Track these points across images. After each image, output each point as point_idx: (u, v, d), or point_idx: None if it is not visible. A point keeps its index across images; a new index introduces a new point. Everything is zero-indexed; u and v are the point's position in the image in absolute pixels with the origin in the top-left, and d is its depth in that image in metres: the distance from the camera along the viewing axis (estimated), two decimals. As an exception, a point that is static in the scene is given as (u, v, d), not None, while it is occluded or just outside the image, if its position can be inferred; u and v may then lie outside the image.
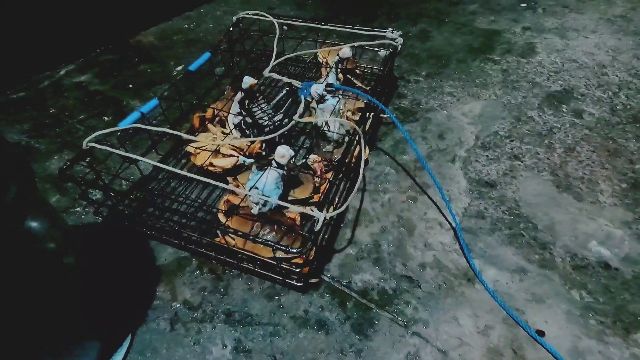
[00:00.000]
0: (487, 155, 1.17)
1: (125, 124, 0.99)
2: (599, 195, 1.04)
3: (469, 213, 1.02)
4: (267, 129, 1.07)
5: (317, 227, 0.75)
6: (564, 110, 1.33)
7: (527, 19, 1.83)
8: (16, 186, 0.55)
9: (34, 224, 0.64)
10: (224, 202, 0.95)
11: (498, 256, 0.92)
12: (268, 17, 1.37)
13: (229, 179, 1.03)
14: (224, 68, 1.46)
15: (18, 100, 1.46)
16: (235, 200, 0.94)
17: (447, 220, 1.00)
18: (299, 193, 1.00)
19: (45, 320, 0.67)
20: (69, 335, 0.72)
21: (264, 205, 0.89)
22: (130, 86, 1.51)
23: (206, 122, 1.17)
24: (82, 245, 0.83)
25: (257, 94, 1.12)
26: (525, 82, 1.46)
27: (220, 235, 0.89)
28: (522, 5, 1.96)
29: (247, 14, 1.39)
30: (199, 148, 1.06)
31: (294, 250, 0.74)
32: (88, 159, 0.92)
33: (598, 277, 0.88)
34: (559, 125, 1.27)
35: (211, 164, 1.03)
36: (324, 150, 1.11)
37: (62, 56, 1.65)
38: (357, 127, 0.94)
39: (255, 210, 0.89)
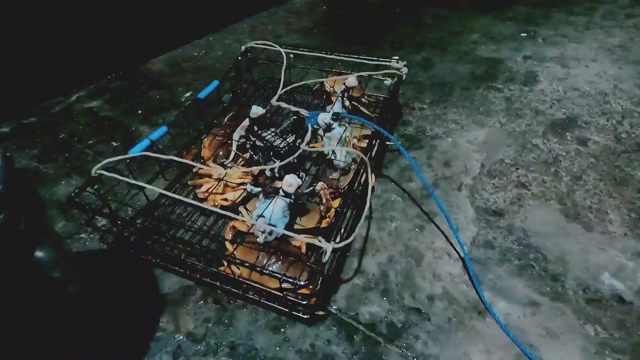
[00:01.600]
0: (494, 183, 1.17)
1: (135, 151, 1.00)
2: (608, 225, 1.03)
3: (477, 243, 1.01)
4: (282, 150, 1.07)
5: (325, 259, 0.74)
6: (569, 138, 1.33)
7: (528, 48, 1.88)
8: (26, 217, 0.55)
9: (40, 254, 0.64)
10: (230, 229, 0.95)
11: (509, 288, 0.90)
12: (275, 47, 1.40)
13: (241, 208, 1.02)
14: (231, 95, 1.49)
15: (29, 125, 1.49)
16: (241, 227, 0.93)
17: (455, 249, 0.99)
18: (305, 222, 0.99)
19: (48, 344, 0.66)
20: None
21: (270, 234, 0.88)
22: (139, 112, 1.54)
23: (205, 161, 1.15)
24: (87, 273, 0.82)
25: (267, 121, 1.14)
26: (528, 110, 1.47)
27: (225, 264, 0.88)
28: (522, 34, 2.01)
29: (256, 43, 1.43)
30: (207, 192, 1.05)
31: (302, 283, 0.73)
32: (96, 186, 0.93)
33: (612, 311, 0.85)
34: (564, 153, 1.27)
35: (224, 199, 1.02)
36: (330, 177, 1.11)
37: (74, 82, 1.70)
38: (363, 156, 0.95)
39: (261, 239, 0.88)
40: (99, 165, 0.93)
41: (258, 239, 0.90)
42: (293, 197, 0.92)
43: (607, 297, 0.88)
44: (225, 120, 1.27)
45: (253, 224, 0.88)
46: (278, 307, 0.85)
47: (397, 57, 1.29)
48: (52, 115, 1.54)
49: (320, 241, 0.77)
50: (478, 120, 1.44)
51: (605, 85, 1.58)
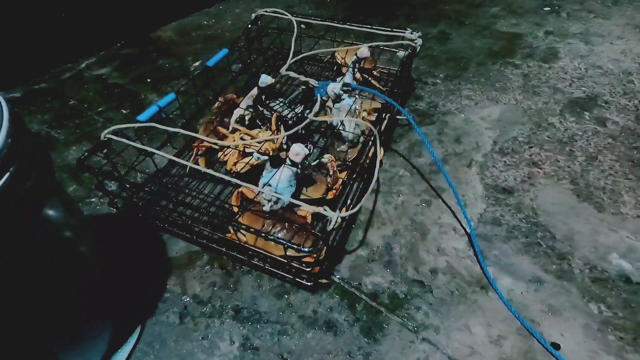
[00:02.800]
0: (505, 161, 1.15)
1: (143, 117, 0.99)
2: (621, 207, 1.01)
3: (485, 219, 1.00)
4: (291, 121, 1.06)
5: (330, 227, 0.74)
6: (587, 117, 1.29)
7: (551, 23, 1.79)
8: (35, 174, 0.56)
9: (51, 212, 0.65)
10: (237, 194, 0.95)
11: (513, 265, 0.90)
12: (286, 15, 1.36)
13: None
14: (240, 65, 1.46)
15: (40, 91, 1.50)
16: (248, 194, 0.94)
17: (461, 225, 0.98)
18: (311, 192, 0.99)
19: (61, 303, 0.69)
20: (83, 316, 0.73)
21: (276, 202, 0.88)
22: (149, 80, 1.53)
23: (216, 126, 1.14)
24: (96, 234, 0.84)
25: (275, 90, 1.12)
26: (546, 87, 1.42)
27: (232, 231, 0.89)
28: (545, 9, 1.91)
29: (266, 11, 1.39)
30: (225, 149, 1.04)
31: (305, 249, 0.73)
32: (105, 150, 0.94)
33: (618, 291, 0.85)
34: (580, 133, 1.23)
35: (234, 164, 1.02)
36: (338, 149, 1.10)
37: (84, 49, 1.69)
38: (372, 128, 0.93)
39: (267, 207, 0.89)
40: (108, 129, 0.93)
41: (264, 208, 0.90)
42: (300, 166, 0.91)
43: (614, 277, 0.87)
44: (216, 105, 1.19)
45: (259, 192, 0.88)
46: (282, 274, 0.87)
47: (411, 30, 1.25)
48: (62, 82, 1.54)
49: (325, 210, 0.77)
50: (493, 96, 1.39)
51: (630, 64, 1.51)
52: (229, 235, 0.90)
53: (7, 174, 0.50)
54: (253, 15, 1.40)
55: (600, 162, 1.13)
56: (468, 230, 0.96)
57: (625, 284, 0.86)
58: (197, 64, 1.62)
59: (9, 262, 0.55)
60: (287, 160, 0.91)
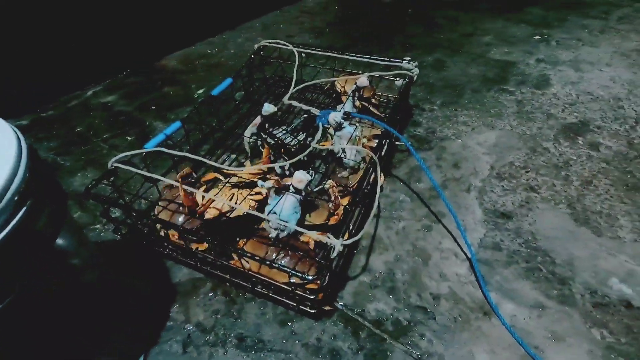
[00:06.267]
0: (503, 186, 1.17)
1: (149, 145, 1.02)
2: (618, 231, 1.03)
3: (485, 244, 1.01)
4: (293, 148, 1.09)
5: (334, 255, 0.75)
6: (580, 142, 1.32)
7: (541, 51, 1.86)
8: (49, 207, 0.58)
9: (61, 241, 0.66)
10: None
11: (515, 290, 0.91)
12: (288, 46, 1.42)
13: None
14: (243, 93, 1.51)
15: (47, 119, 1.53)
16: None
17: (462, 250, 1.00)
18: (314, 218, 1.01)
19: (63, 333, 0.69)
20: (85, 351, 0.73)
21: (282, 230, 0.90)
22: (154, 108, 1.57)
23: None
24: (103, 262, 0.85)
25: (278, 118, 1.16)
26: (540, 113, 1.47)
27: (235, 257, 0.90)
28: (535, 37, 1.99)
29: (269, 42, 1.45)
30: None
31: (310, 278, 0.74)
32: (112, 178, 0.96)
33: (620, 316, 0.85)
34: (575, 158, 1.26)
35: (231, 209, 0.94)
36: (339, 175, 1.12)
37: (91, 77, 1.74)
38: (373, 155, 0.96)
39: (273, 235, 0.90)
40: (116, 158, 0.95)
41: (270, 235, 0.91)
42: (303, 193, 0.93)
43: (615, 302, 0.87)
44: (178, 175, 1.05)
45: (265, 220, 0.89)
46: (286, 301, 0.87)
47: (408, 58, 1.30)
48: (69, 110, 1.58)
49: (329, 237, 0.78)
50: (488, 122, 1.43)
51: (619, 90, 1.56)
52: (232, 262, 0.91)
53: (25, 207, 0.51)
54: (256, 45, 1.46)
55: (596, 187, 1.16)
56: (469, 256, 0.97)
57: (626, 309, 0.86)
58: (201, 91, 1.66)
59: (20, 292, 0.55)
60: (291, 187, 0.93)
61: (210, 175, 1.13)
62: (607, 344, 0.80)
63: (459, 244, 1.01)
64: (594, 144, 1.31)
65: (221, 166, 1.03)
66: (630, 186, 1.15)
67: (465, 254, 0.99)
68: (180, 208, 0.98)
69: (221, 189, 1.00)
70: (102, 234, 1.08)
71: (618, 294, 0.89)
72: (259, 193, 0.97)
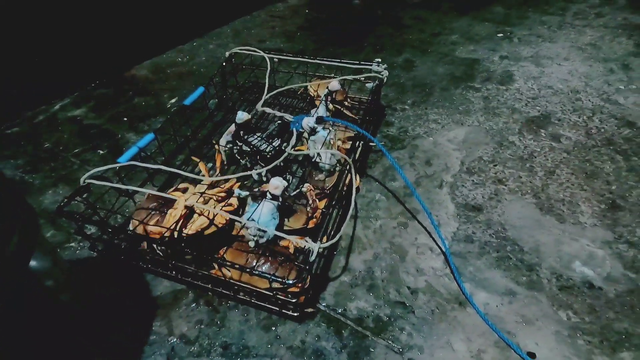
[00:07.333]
0: (473, 180, 1.22)
1: (123, 159, 1.01)
2: (579, 217, 1.09)
3: (458, 237, 1.06)
4: (269, 155, 1.10)
5: (312, 258, 0.77)
6: (543, 134, 1.40)
7: (504, 48, 1.95)
8: (20, 228, 0.57)
9: (34, 263, 0.65)
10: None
11: (487, 279, 0.95)
12: (259, 52, 1.43)
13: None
14: (217, 100, 1.51)
15: (12, 136, 1.48)
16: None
17: (437, 245, 1.04)
18: (293, 222, 1.02)
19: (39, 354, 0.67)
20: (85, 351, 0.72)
21: (261, 237, 0.91)
22: (125, 119, 1.55)
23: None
24: (79, 281, 0.83)
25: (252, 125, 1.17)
26: (505, 108, 1.54)
27: (216, 267, 0.90)
28: (498, 35, 2.08)
29: (240, 49, 1.45)
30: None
31: (290, 282, 0.76)
32: (85, 194, 0.94)
33: (583, 297, 0.91)
34: (539, 149, 1.33)
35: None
36: (316, 178, 1.14)
37: (57, 91, 1.69)
38: (347, 158, 0.99)
39: (252, 243, 0.91)
40: (88, 174, 0.94)
41: (250, 243, 0.92)
42: (280, 199, 0.94)
43: (579, 284, 0.93)
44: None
45: (243, 226, 0.90)
46: (268, 306, 0.88)
47: (379, 60, 1.34)
48: (36, 125, 1.53)
49: (307, 242, 0.80)
50: (457, 119, 1.49)
51: (577, 83, 1.66)
52: (213, 271, 0.91)
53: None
54: (227, 53, 1.46)
55: (558, 176, 1.22)
56: (443, 249, 1.01)
57: (589, 290, 0.92)
58: (173, 100, 1.65)
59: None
60: (268, 194, 0.94)
61: (181, 187, 1.11)
62: (573, 324, 0.86)
63: (433, 239, 1.05)
64: (556, 135, 1.39)
65: (197, 176, 1.03)
66: (589, 174, 1.23)
67: (440, 248, 1.03)
68: (158, 220, 0.97)
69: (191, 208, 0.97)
70: (77, 251, 1.05)
71: (581, 276, 0.95)
72: (230, 204, 0.97)
